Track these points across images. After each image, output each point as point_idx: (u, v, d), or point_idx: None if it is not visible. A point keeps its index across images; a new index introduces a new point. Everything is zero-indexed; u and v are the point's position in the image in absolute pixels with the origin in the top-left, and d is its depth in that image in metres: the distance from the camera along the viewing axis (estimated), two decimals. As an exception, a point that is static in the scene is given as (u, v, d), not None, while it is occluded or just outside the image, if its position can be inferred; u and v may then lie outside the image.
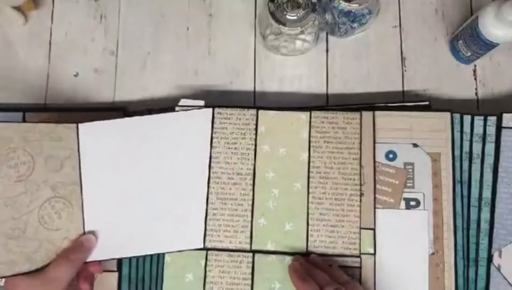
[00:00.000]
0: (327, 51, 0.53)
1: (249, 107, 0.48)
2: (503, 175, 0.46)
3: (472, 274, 0.46)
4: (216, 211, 0.46)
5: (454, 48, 0.51)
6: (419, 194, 0.46)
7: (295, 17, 0.46)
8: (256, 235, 0.46)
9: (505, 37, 0.44)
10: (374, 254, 0.45)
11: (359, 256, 0.45)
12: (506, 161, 0.46)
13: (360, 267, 0.45)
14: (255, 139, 0.48)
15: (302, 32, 0.48)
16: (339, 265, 0.45)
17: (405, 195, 0.46)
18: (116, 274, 0.46)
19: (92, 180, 0.46)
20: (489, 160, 0.47)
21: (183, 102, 0.48)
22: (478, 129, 0.47)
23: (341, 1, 0.47)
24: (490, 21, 0.44)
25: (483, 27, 0.45)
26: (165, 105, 0.49)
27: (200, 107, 0.48)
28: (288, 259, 0.45)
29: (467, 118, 0.48)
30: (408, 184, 0.46)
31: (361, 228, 0.45)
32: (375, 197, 0.46)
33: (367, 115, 0.48)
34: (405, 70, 0.53)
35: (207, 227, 0.46)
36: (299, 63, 0.53)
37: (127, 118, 0.48)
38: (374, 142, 0.47)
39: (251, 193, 0.47)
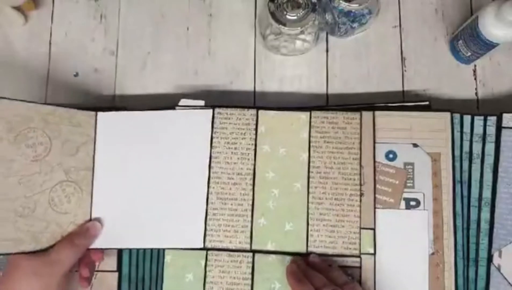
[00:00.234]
0: (327, 51, 0.53)
1: (249, 107, 0.48)
2: (503, 175, 0.46)
3: (472, 274, 0.46)
4: (216, 211, 0.46)
5: (454, 48, 0.51)
6: (419, 194, 0.46)
7: (295, 17, 0.46)
8: (256, 235, 0.46)
9: (505, 37, 0.44)
10: (374, 254, 0.45)
11: (359, 256, 0.45)
12: (506, 161, 0.46)
13: (360, 267, 0.45)
14: (255, 139, 0.48)
15: (302, 32, 0.48)
16: (339, 265, 0.45)
17: (405, 195, 0.46)
18: (116, 274, 0.46)
19: (104, 169, 0.47)
20: (489, 160, 0.47)
21: (183, 102, 0.48)
22: (478, 129, 0.47)
23: (341, 1, 0.47)
24: (490, 21, 0.44)
25: (483, 27, 0.45)
26: (165, 105, 0.49)
27: (200, 107, 0.48)
28: (288, 259, 0.45)
29: (467, 118, 0.48)
30: (408, 184, 0.46)
31: (361, 228, 0.45)
32: (375, 197, 0.46)
33: (367, 115, 0.48)
34: (405, 70, 0.53)
35: (207, 227, 0.46)
36: (299, 63, 0.53)
37: (144, 111, 0.48)
38: (374, 142, 0.47)
39: (251, 193, 0.47)
